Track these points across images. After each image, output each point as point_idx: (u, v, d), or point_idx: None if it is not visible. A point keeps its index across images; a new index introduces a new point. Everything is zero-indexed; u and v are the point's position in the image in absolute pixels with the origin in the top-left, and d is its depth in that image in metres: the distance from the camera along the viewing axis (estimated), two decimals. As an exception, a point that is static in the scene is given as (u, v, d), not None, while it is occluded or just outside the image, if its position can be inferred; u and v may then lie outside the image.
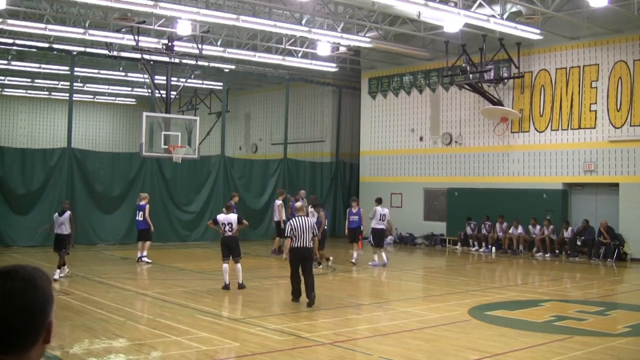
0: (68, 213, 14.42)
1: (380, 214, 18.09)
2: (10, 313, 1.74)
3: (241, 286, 13.11)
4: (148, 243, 17.97)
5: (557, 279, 16.46)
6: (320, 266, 16.76)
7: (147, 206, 17.99)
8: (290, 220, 11.93)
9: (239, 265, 13.17)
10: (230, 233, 13.12)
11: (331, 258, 17.89)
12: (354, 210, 18.38)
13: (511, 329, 9.72)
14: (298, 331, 9.30)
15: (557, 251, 21.24)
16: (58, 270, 13.97)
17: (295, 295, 11.87)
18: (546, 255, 21.01)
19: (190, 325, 9.62)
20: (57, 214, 14.68)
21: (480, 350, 8.31)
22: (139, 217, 17.94)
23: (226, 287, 12.96)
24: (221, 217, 13.31)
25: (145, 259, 17.68)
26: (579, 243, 20.77)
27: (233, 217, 13.31)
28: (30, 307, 1.77)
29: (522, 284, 16.01)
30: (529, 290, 14.35)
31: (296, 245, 11.52)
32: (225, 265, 13.08)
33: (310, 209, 17.33)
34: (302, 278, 11.66)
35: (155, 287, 14.19)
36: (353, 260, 17.93)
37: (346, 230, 18.77)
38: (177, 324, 9.66)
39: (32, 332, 1.77)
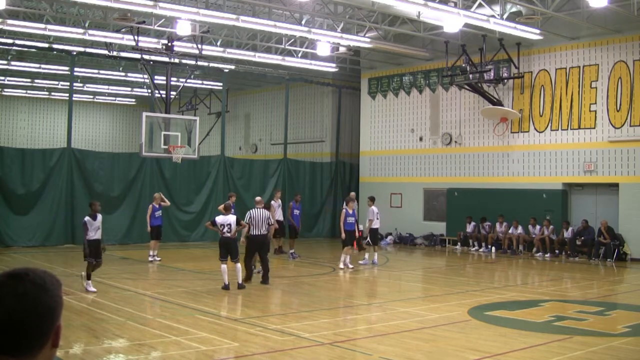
0: (101, 216, 13.07)
1: (376, 213, 18.12)
2: (21, 315, 1.74)
3: (241, 286, 13.12)
4: (152, 242, 18.17)
5: (557, 279, 16.46)
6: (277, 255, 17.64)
7: (150, 206, 18.26)
8: (250, 211, 14.09)
9: (238, 265, 13.19)
10: (229, 234, 13.11)
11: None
12: (350, 211, 17.10)
13: (511, 329, 9.72)
14: (298, 331, 9.29)
15: (556, 251, 21.24)
16: (90, 282, 12.69)
17: (248, 277, 13.87)
18: (546, 256, 21.01)
19: (190, 325, 9.62)
20: (88, 217, 12.73)
21: (480, 351, 8.31)
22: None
23: (226, 287, 12.96)
24: (220, 219, 13.27)
25: (155, 257, 18.00)
26: (578, 243, 20.78)
27: (232, 218, 13.28)
28: (40, 309, 1.77)
29: (521, 284, 16.00)
30: (528, 290, 14.35)
31: (253, 233, 13.75)
32: (224, 266, 13.09)
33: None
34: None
35: (155, 287, 14.20)
36: (351, 266, 17.05)
37: (342, 234, 17.00)
38: (176, 324, 9.66)
39: (41, 335, 1.78)
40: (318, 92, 30.81)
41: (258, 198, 15.13)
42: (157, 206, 18.24)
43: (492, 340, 8.95)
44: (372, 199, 18.80)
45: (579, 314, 11.11)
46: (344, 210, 17.21)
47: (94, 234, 12.61)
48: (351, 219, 17.12)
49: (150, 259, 17.92)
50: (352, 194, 22.00)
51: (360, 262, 18.19)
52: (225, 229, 13.08)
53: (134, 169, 23.52)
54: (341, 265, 17.11)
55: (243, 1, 19.41)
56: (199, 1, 19.88)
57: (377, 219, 18.18)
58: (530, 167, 22.76)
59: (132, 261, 18.05)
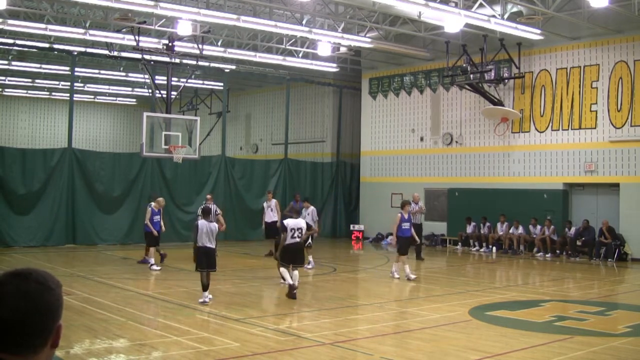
0: (216, 225, 11.70)
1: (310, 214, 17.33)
2: (24, 313, 1.75)
3: (293, 293, 12.05)
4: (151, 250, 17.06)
5: (558, 279, 16.45)
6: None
7: (149, 209, 17.22)
8: (202, 206, 16.23)
9: (296, 272, 12.44)
10: (299, 239, 12.17)
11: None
12: (406, 216, 15.33)
13: (512, 329, 9.72)
14: (299, 331, 9.30)
15: (557, 251, 21.23)
16: (206, 293, 11.48)
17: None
18: (547, 256, 21.01)
19: (190, 325, 9.62)
20: (201, 220, 11.61)
21: (481, 351, 8.31)
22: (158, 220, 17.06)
23: (293, 288, 12.02)
24: (291, 223, 12.17)
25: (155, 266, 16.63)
26: (579, 243, 20.78)
27: (302, 222, 12.38)
28: (42, 308, 1.78)
29: (522, 284, 16.00)
30: (529, 290, 14.34)
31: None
32: (284, 269, 12.23)
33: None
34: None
35: (156, 287, 14.21)
36: (412, 276, 15.29)
37: (395, 240, 15.63)
38: (177, 324, 9.66)
39: (43, 334, 1.78)
40: (319, 92, 30.80)
41: (208, 196, 18.24)
42: (156, 210, 16.96)
43: (493, 340, 8.95)
44: (307, 200, 18.21)
45: (579, 314, 11.11)
46: (399, 214, 15.44)
47: (209, 240, 11.47)
48: (406, 225, 15.40)
49: (155, 267, 16.39)
50: (417, 195, 20.87)
51: (307, 266, 16.77)
52: (297, 234, 12.12)
53: (134, 169, 23.52)
54: (396, 275, 15.49)
55: (244, 1, 19.41)
56: (200, 1, 19.89)
57: (314, 220, 17.10)
58: (531, 167, 22.76)
59: (133, 261, 18.03)
